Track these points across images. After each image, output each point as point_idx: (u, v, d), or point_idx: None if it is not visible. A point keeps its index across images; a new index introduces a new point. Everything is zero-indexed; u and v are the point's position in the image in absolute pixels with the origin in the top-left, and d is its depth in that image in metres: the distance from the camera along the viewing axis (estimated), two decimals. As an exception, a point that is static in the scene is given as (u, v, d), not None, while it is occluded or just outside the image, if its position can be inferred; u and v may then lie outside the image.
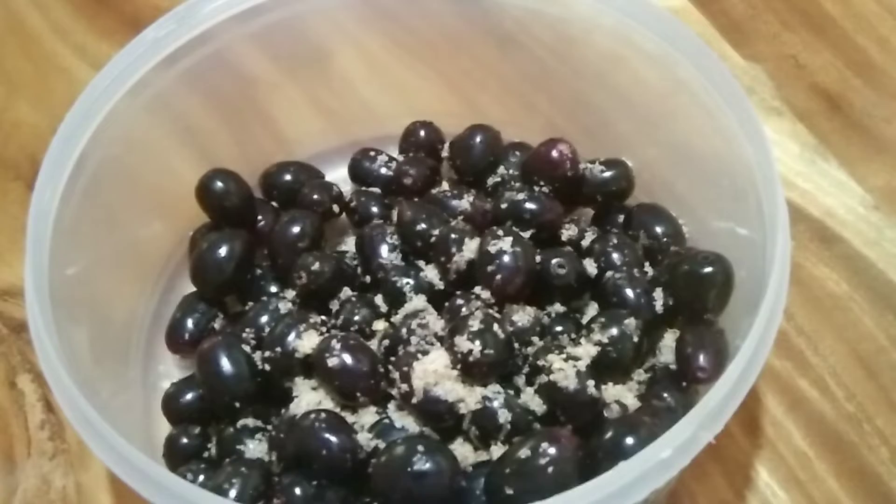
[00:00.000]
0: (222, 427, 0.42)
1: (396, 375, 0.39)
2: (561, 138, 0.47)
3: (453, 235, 0.43)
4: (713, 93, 0.42)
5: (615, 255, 0.44)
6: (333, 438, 0.37)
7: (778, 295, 0.35)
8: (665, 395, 0.40)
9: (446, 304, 0.42)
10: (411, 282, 0.44)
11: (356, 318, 0.43)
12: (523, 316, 0.41)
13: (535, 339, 0.41)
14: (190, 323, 0.46)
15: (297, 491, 0.37)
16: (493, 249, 0.41)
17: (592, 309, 0.44)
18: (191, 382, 0.44)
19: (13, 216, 0.55)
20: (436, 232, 0.44)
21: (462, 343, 0.38)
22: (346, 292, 0.45)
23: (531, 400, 0.39)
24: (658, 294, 0.42)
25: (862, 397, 0.47)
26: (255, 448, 0.41)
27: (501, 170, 0.50)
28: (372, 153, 0.52)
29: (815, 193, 0.54)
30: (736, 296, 0.41)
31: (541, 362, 0.39)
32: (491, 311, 0.41)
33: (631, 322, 0.40)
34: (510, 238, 0.42)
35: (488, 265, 0.41)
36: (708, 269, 0.40)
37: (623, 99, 0.48)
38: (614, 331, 0.40)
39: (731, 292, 0.40)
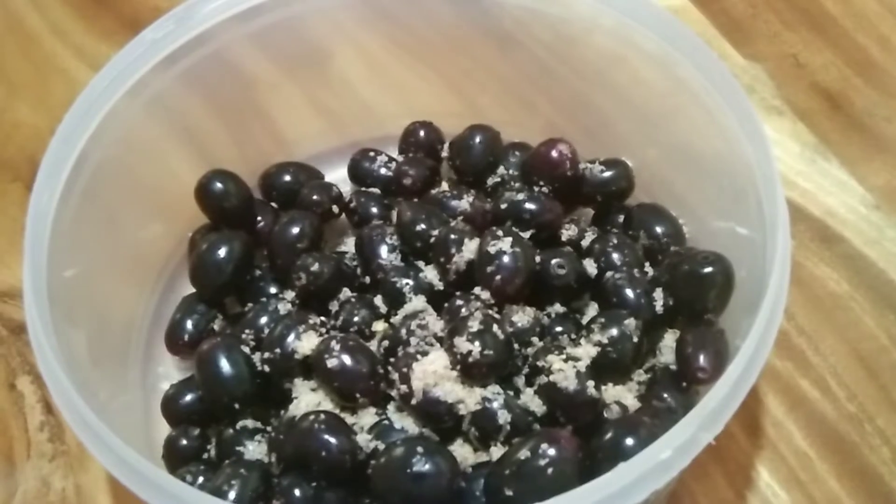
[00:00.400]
0: (222, 428, 0.42)
1: (396, 376, 0.39)
2: (561, 138, 0.47)
3: (453, 236, 0.43)
4: (713, 92, 0.42)
5: (615, 256, 0.44)
6: (333, 440, 0.37)
7: (778, 295, 0.35)
8: (665, 395, 0.40)
9: (446, 304, 0.42)
10: (411, 282, 0.43)
11: (356, 318, 0.43)
12: (523, 316, 0.41)
13: (535, 339, 0.41)
14: (189, 324, 0.46)
15: (297, 492, 0.37)
16: (492, 250, 0.41)
17: (592, 309, 0.44)
18: (190, 384, 0.44)
19: (12, 218, 0.55)
20: (435, 232, 0.44)
21: (461, 344, 0.38)
22: (346, 293, 0.45)
23: (531, 401, 0.39)
24: (658, 294, 0.42)
25: (863, 397, 0.47)
26: (255, 449, 0.41)
27: (501, 170, 0.50)
28: (371, 154, 0.52)
29: (816, 193, 0.54)
30: (736, 296, 0.40)
31: (540, 363, 0.39)
32: (490, 311, 0.41)
33: (631, 322, 0.40)
34: (510, 238, 0.42)
35: (488, 266, 0.41)
36: (708, 269, 0.40)
37: (623, 99, 0.48)
38: (614, 331, 0.40)
39: (731, 292, 0.40)
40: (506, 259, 0.41)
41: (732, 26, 0.61)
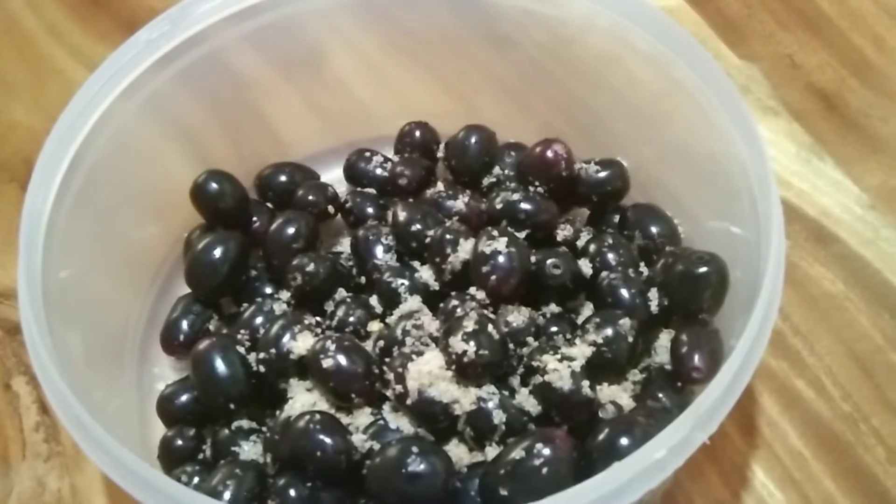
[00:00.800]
0: (217, 429, 0.42)
1: (391, 376, 0.39)
2: (556, 138, 0.47)
3: (448, 236, 0.43)
4: (708, 93, 0.42)
5: (610, 256, 0.44)
6: (328, 440, 0.37)
7: (772, 294, 0.35)
8: (660, 395, 0.40)
9: (441, 304, 0.42)
10: (406, 282, 0.43)
11: (351, 319, 0.43)
12: (518, 316, 0.41)
13: (531, 339, 0.41)
14: (185, 324, 0.46)
15: (292, 492, 0.37)
16: (487, 250, 0.41)
17: (588, 309, 0.44)
18: (186, 384, 0.44)
19: (8, 218, 0.55)
20: (431, 232, 0.44)
21: (456, 344, 0.38)
22: (341, 293, 0.45)
23: (526, 400, 0.39)
24: (653, 294, 0.42)
25: (858, 397, 0.47)
26: (250, 450, 0.41)
27: (497, 170, 0.50)
28: (367, 154, 0.52)
29: (811, 193, 0.54)
30: (731, 295, 0.41)
31: (535, 363, 0.39)
32: (486, 311, 0.41)
33: (626, 322, 0.40)
34: (505, 238, 0.42)
35: (483, 266, 0.41)
36: (703, 269, 0.40)
37: (618, 99, 0.48)
38: (609, 331, 0.40)
39: (726, 292, 0.40)
40: (501, 259, 0.41)
41: (728, 26, 0.61)
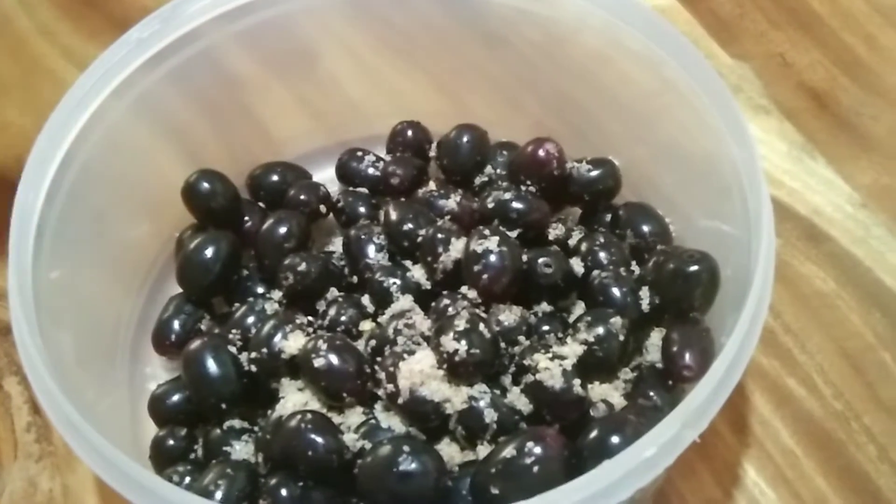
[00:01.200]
0: (209, 429, 0.42)
1: (382, 376, 0.39)
2: (548, 138, 0.47)
3: (440, 235, 0.43)
4: (699, 92, 0.42)
5: (602, 254, 0.44)
6: (319, 439, 0.37)
7: (763, 292, 0.35)
8: (651, 393, 0.40)
9: (433, 303, 0.42)
10: (398, 282, 0.43)
11: (343, 318, 0.43)
12: (510, 315, 0.41)
13: (522, 338, 0.41)
14: (176, 324, 0.46)
15: (284, 492, 0.37)
16: (479, 249, 0.41)
17: (580, 308, 0.44)
18: (177, 384, 0.44)
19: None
20: (423, 232, 0.44)
21: (448, 343, 0.38)
22: (333, 293, 0.45)
23: (517, 399, 0.39)
24: (644, 293, 0.42)
25: (849, 395, 0.47)
26: (242, 449, 0.41)
27: (489, 169, 0.50)
28: (359, 153, 0.52)
29: (803, 192, 0.54)
30: (722, 294, 0.41)
31: (527, 362, 0.39)
32: (477, 310, 0.41)
33: (617, 321, 0.40)
34: (497, 237, 0.42)
35: (475, 265, 0.41)
36: (694, 268, 0.40)
37: (610, 98, 0.48)
38: (600, 330, 0.40)
39: (716, 290, 0.41)
40: (493, 258, 0.41)
41: (719, 26, 0.61)
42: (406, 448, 0.36)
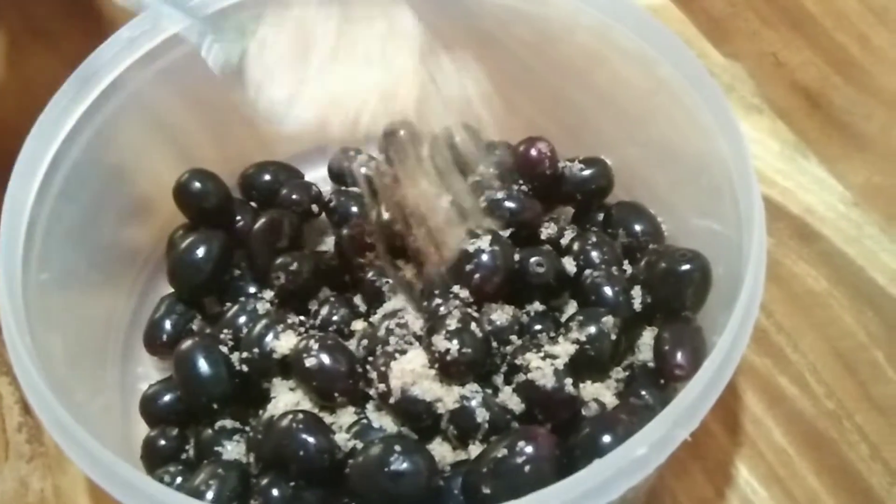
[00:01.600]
0: (200, 429, 0.42)
1: (374, 375, 0.39)
2: (540, 137, 0.47)
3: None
4: (691, 91, 0.42)
5: (594, 254, 0.44)
6: (311, 439, 0.37)
7: (754, 291, 0.35)
8: (643, 392, 0.40)
9: (425, 303, 0.42)
10: (390, 281, 0.43)
11: (335, 318, 0.43)
12: (502, 315, 0.41)
13: (514, 337, 0.41)
14: (168, 324, 0.45)
15: (275, 492, 0.37)
16: (471, 248, 0.41)
17: (572, 307, 0.44)
18: (169, 384, 0.44)
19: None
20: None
21: (440, 342, 0.38)
22: (325, 292, 0.45)
23: (509, 399, 0.39)
24: (636, 292, 0.42)
25: (841, 394, 0.47)
26: (233, 449, 0.41)
27: (481, 169, 0.50)
28: (351, 153, 0.51)
29: (795, 191, 0.54)
30: (714, 293, 0.41)
31: (519, 361, 0.39)
32: (469, 310, 0.41)
33: (609, 320, 0.40)
34: (489, 237, 0.41)
35: (467, 264, 0.41)
36: (686, 267, 0.41)
37: (603, 98, 0.48)
38: (592, 329, 0.40)
39: (708, 289, 0.41)
40: (485, 257, 0.41)
41: (712, 25, 0.61)
42: (397, 448, 0.36)
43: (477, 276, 0.41)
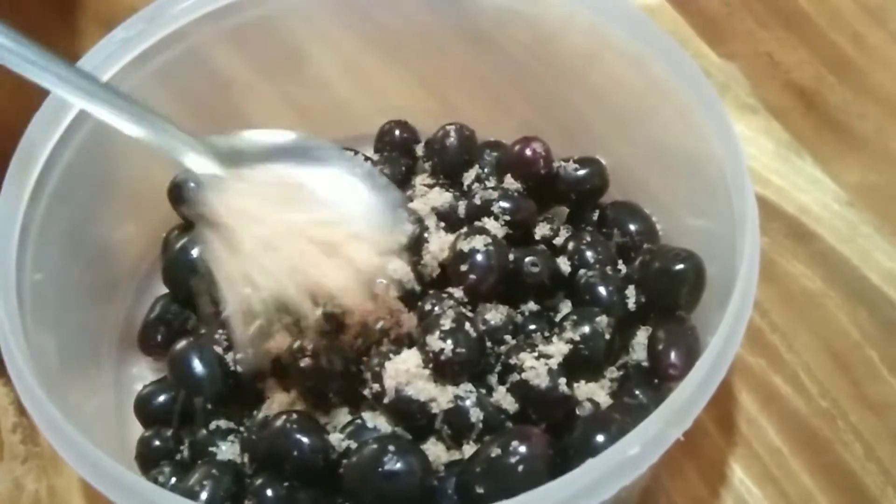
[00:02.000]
0: (195, 429, 0.42)
1: (368, 375, 0.39)
2: (535, 137, 0.47)
3: (426, 235, 0.43)
4: (686, 91, 0.42)
5: (588, 253, 0.44)
6: (305, 439, 0.37)
7: (747, 290, 0.35)
8: (637, 392, 0.40)
9: (419, 303, 0.42)
10: (384, 281, 0.43)
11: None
12: (496, 315, 0.41)
13: (508, 337, 0.41)
14: (162, 325, 0.46)
15: (269, 492, 0.37)
16: (466, 248, 0.41)
17: (566, 307, 0.44)
18: (164, 384, 0.44)
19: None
20: (409, 232, 0.44)
21: (434, 342, 0.38)
22: (320, 292, 0.45)
23: (503, 399, 0.39)
24: (631, 291, 0.42)
25: (836, 393, 0.47)
26: (228, 450, 0.41)
27: (476, 169, 0.50)
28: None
29: (790, 190, 0.54)
30: (708, 292, 0.41)
31: (513, 361, 0.39)
32: (463, 309, 0.41)
33: (602, 319, 0.40)
34: (483, 236, 0.41)
35: (461, 264, 0.41)
36: (680, 266, 0.41)
37: (598, 98, 0.48)
38: (586, 328, 0.40)
39: (702, 289, 0.41)
40: (479, 257, 0.41)
41: (707, 25, 0.61)
42: (391, 448, 0.35)
43: (471, 275, 0.41)
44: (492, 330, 0.41)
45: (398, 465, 0.35)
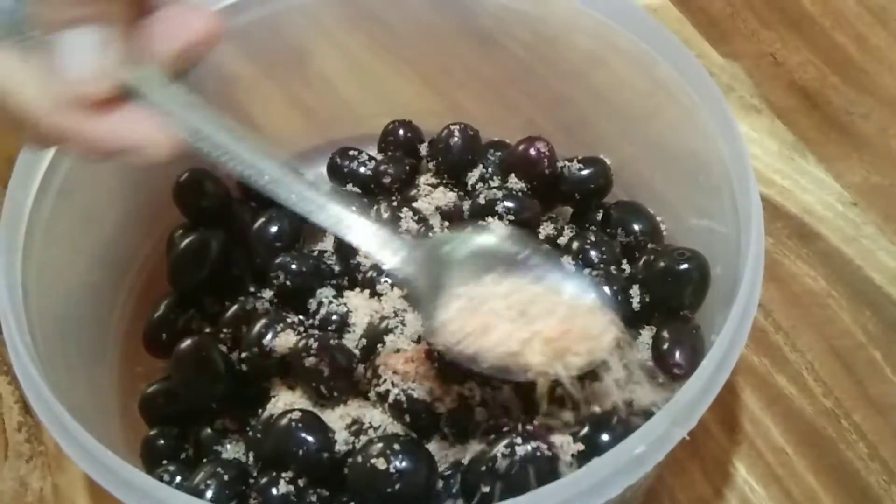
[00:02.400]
0: (200, 428, 0.42)
1: (373, 374, 0.39)
2: (539, 137, 0.47)
3: (431, 234, 0.43)
4: (690, 91, 0.42)
5: (593, 253, 0.44)
6: (310, 438, 0.37)
7: (752, 290, 0.35)
8: (641, 392, 0.40)
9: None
10: (389, 281, 0.43)
11: (334, 317, 0.43)
12: (500, 314, 0.41)
13: (513, 337, 0.41)
14: (167, 324, 0.46)
15: (274, 491, 0.37)
16: (469, 247, 0.41)
17: (570, 307, 0.44)
18: (168, 384, 0.44)
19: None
20: (413, 231, 0.44)
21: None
22: (324, 291, 0.45)
23: (508, 398, 0.39)
24: (635, 291, 0.42)
25: (839, 393, 0.47)
26: (233, 448, 0.41)
27: (480, 168, 0.50)
28: (351, 152, 0.52)
29: (794, 190, 0.54)
30: (712, 292, 0.41)
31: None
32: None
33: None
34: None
35: (466, 264, 0.41)
36: (684, 266, 0.41)
37: (602, 98, 0.48)
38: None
39: (706, 288, 0.41)
40: (483, 257, 0.41)
41: (711, 25, 0.61)
42: (396, 446, 0.36)
43: (476, 275, 0.41)
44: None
45: (403, 464, 0.35)
